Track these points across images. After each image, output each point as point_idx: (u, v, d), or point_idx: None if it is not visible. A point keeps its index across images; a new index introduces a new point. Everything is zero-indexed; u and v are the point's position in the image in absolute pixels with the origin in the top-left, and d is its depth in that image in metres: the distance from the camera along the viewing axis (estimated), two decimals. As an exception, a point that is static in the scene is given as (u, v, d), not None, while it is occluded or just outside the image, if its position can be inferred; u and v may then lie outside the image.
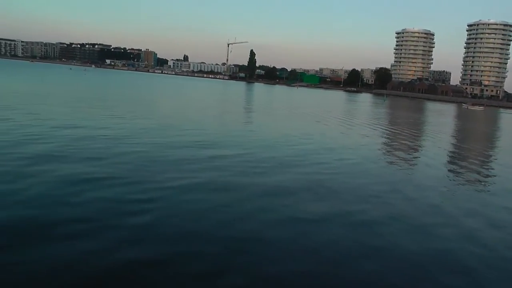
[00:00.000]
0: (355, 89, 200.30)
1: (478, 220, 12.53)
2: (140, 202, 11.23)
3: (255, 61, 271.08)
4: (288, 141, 24.22)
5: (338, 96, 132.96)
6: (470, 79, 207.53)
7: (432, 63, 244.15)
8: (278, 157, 19.09)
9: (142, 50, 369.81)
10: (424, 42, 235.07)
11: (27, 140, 17.76)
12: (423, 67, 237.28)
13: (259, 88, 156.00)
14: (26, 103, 33.41)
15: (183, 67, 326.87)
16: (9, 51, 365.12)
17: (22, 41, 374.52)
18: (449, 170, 20.80)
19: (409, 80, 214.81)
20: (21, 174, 12.96)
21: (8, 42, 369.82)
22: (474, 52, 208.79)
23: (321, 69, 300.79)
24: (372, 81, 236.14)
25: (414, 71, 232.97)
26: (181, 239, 9.23)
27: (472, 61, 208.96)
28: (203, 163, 16.46)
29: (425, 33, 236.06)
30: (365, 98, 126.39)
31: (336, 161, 19.63)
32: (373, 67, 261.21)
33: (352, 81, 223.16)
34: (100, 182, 12.80)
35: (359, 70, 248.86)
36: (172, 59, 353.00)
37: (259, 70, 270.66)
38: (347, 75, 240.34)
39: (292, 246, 9.38)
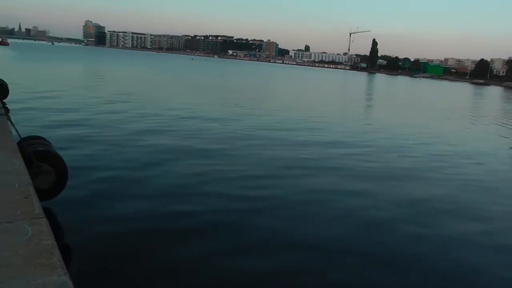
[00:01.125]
0: (482, 81, 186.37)
1: None
2: (258, 200, 10.66)
3: (377, 51, 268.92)
4: (413, 139, 22.63)
5: (463, 88, 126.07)
6: None
7: None
8: (403, 159, 17.50)
9: (264, 40, 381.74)
10: None
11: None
12: None
13: (381, 79, 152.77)
14: (151, 89, 37.73)
15: (304, 57, 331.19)
16: (139, 43, 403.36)
17: (151, 35, 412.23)
18: None
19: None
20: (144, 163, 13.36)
21: (139, 35, 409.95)
22: None
23: (446, 59, 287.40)
24: (503, 72, 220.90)
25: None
26: (310, 246, 8.33)
27: None
28: (323, 162, 15.57)
29: None
30: (494, 92, 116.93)
31: (470, 165, 17.37)
32: (505, 57, 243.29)
33: (479, 73, 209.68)
34: (216, 175, 12.54)
35: (488, 60, 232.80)
36: (293, 49, 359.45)
37: (381, 60, 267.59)
38: (474, 65, 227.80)
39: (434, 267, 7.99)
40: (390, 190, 12.61)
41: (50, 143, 9.72)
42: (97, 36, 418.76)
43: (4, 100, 18.02)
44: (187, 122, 22.00)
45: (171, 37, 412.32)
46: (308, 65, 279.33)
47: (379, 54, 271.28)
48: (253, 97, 42.79)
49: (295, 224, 9.44)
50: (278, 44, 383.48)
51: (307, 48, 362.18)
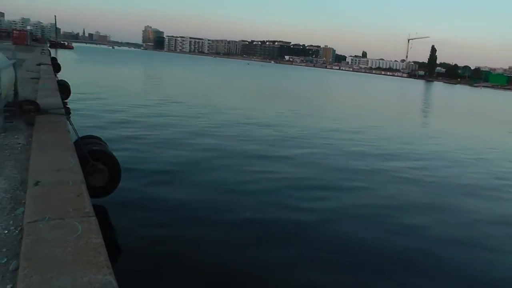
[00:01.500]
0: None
1: None
2: (313, 211, 10.37)
3: (436, 58, 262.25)
4: (473, 154, 21.46)
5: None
6: None
7: None
8: (463, 174, 16.49)
9: (321, 46, 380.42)
10: None
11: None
12: None
13: (438, 87, 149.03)
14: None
15: (361, 64, 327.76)
16: (197, 48, 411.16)
17: (208, 40, 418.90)
18: None
19: None
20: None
21: (197, 40, 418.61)
22: None
23: (510, 68, 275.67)
24: None
25: None
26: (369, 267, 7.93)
27: None
28: (380, 174, 14.92)
29: None
30: None
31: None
32: None
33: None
34: (271, 183, 12.40)
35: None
36: (350, 56, 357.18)
37: (440, 68, 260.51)
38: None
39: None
40: (451, 208, 11.93)
41: (106, 143, 9.97)
42: (156, 41, 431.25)
43: (66, 100, 18.87)
44: (243, 127, 22.05)
45: (228, 42, 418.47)
46: (365, 72, 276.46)
47: (437, 61, 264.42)
48: (308, 104, 42.47)
49: (351, 238, 9.14)
50: (335, 50, 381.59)
51: (364, 55, 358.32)
